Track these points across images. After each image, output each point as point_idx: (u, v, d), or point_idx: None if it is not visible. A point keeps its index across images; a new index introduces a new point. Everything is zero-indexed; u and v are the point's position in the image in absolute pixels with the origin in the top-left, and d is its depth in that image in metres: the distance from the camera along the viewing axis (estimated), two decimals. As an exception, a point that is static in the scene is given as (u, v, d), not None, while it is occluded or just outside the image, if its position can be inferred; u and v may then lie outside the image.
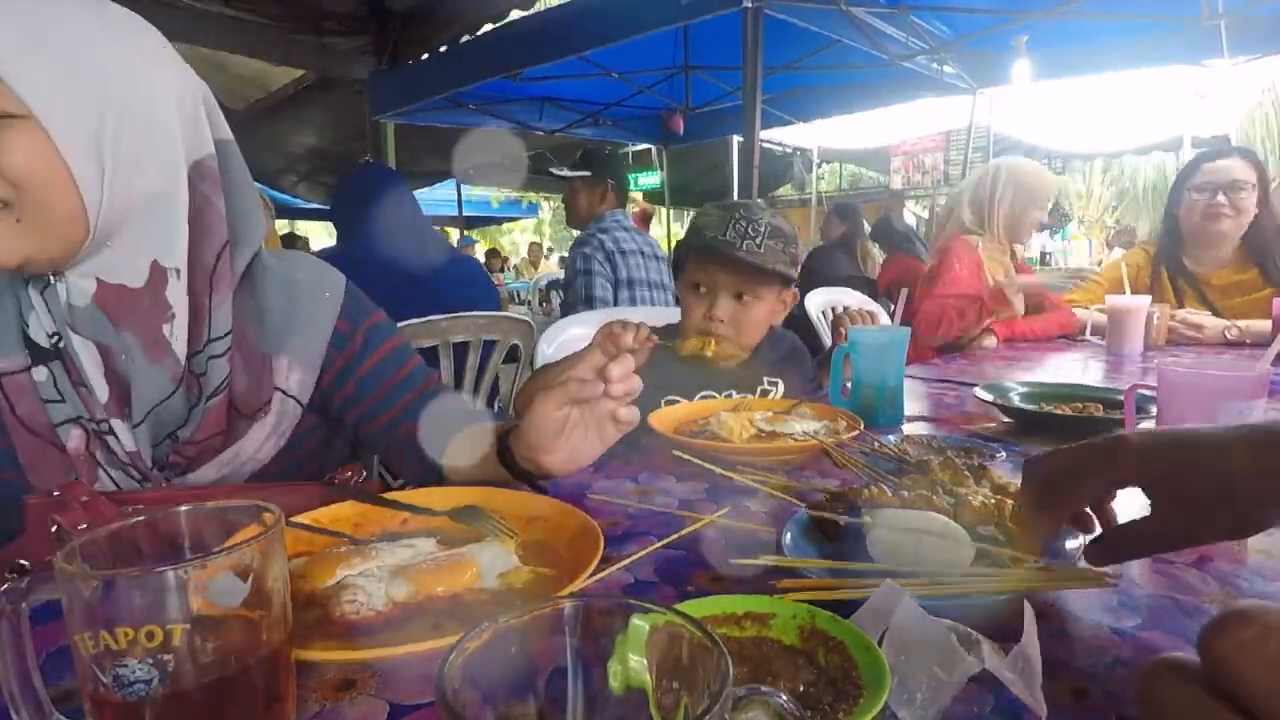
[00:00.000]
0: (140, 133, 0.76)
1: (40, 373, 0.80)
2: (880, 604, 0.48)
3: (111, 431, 0.80)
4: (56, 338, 0.79)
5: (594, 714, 0.34)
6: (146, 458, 0.82)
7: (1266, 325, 2.05)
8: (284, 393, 0.91)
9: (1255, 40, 3.95)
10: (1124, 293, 2.09)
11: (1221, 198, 2.20)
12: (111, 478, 0.83)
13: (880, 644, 0.45)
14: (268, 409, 0.89)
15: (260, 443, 0.90)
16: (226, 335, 0.84)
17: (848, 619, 0.48)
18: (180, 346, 0.82)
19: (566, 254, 2.94)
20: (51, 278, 0.78)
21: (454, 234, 9.58)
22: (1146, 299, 2.05)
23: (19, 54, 0.70)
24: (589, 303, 2.53)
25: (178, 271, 0.82)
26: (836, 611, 0.49)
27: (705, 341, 1.36)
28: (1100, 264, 6.77)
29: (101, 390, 0.80)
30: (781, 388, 1.49)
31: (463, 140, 6.11)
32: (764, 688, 0.37)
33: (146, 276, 0.80)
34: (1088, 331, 2.22)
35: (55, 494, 0.77)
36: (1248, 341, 2.10)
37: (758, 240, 1.34)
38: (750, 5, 3.13)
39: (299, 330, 0.92)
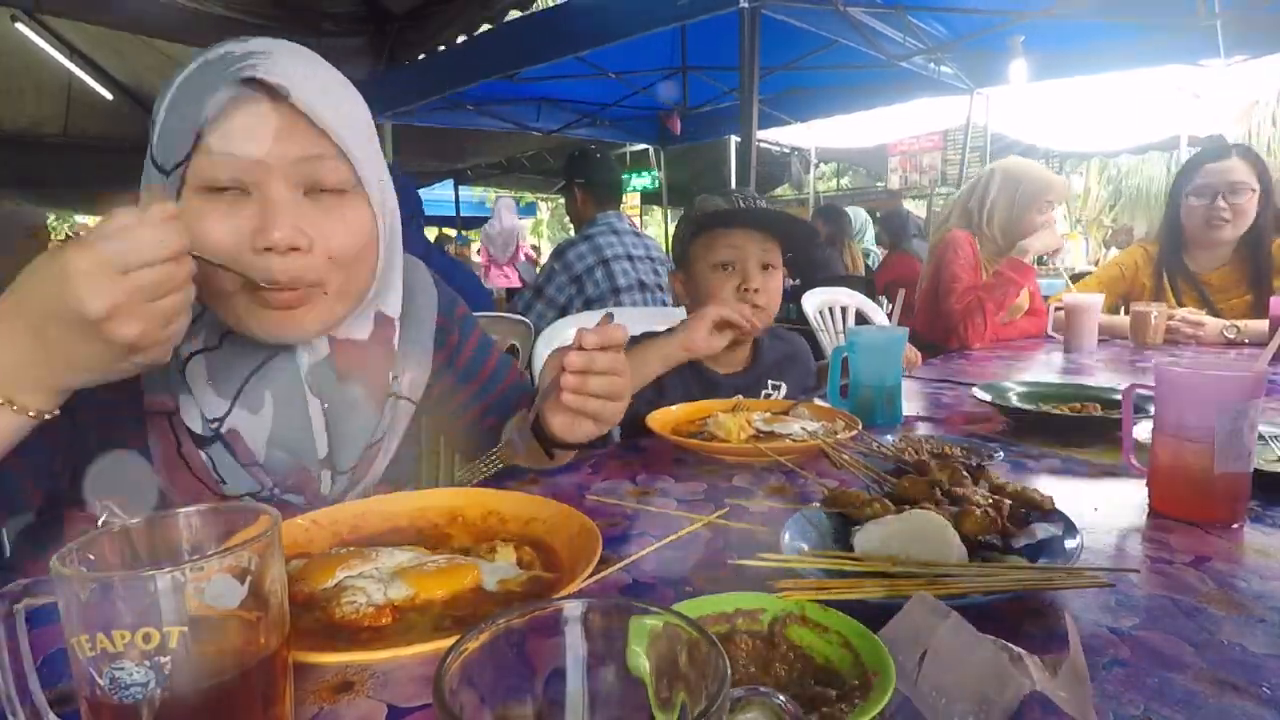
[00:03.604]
0: (387, 184, 0.78)
1: (202, 458, 0.77)
2: (917, 620, 0.45)
3: (284, 499, 0.80)
4: (216, 424, 0.76)
5: (592, 715, 0.34)
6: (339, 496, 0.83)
7: (1265, 325, 2.06)
8: (395, 396, 0.87)
9: (1251, 40, 3.96)
10: (1118, 292, 2.10)
11: (1221, 202, 2.17)
12: None
13: (920, 664, 0.43)
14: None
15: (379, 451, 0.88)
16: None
17: (875, 634, 0.46)
18: (393, 388, 0.85)
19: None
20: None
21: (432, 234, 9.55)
22: (1099, 297, 2.08)
23: (349, 129, 0.72)
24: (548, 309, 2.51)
25: (395, 321, 0.85)
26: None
27: None
28: (1097, 263, 6.79)
29: (322, 446, 0.80)
30: (784, 391, 1.49)
31: (460, 140, 6.10)
32: (762, 688, 0.37)
33: (372, 328, 0.83)
34: (1050, 328, 2.22)
35: None
36: (1246, 341, 2.11)
37: (764, 205, 1.42)
38: (747, 5, 3.11)
39: (408, 335, 0.90)
